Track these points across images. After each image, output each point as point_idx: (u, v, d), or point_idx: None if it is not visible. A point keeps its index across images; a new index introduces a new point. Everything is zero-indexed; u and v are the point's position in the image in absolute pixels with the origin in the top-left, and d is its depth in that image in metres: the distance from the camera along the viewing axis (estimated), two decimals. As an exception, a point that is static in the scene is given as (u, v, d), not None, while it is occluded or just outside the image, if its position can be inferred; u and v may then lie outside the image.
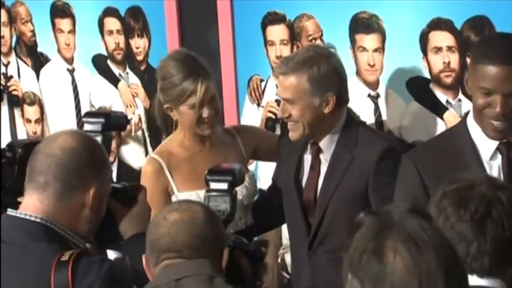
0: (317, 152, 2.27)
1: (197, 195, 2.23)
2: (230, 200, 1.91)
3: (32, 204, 1.81)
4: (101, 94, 3.39)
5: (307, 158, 2.29)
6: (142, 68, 3.17)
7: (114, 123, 2.60)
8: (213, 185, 1.95)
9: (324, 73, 2.24)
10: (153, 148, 3.15)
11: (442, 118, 2.27)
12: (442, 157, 2.02)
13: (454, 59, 2.20)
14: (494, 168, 2.00)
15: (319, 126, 2.22)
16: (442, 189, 1.61)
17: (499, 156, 1.99)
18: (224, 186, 1.93)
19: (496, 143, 1.98)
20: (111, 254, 2.07)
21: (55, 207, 1.80)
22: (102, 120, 2.55)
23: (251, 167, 2.70)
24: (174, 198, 2.35)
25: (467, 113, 2.02)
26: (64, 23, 3.39)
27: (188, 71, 2.33)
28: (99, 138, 2.30)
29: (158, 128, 2.95)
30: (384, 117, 2.47)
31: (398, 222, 1.16)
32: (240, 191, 2.30)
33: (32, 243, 1.79)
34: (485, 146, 1.98)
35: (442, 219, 1.56)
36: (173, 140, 2.46)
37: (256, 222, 2.39)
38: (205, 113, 2.30)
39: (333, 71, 2.24)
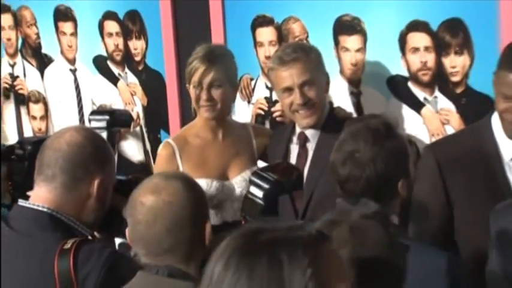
0: (304, 141, 2.28)
1: (203, 182, 2.23)
2: (260, 208, 1.79)
3: (41, 195, 1.85)
4: (101, 93, 3.44)
5: (294, 148, 2.30)
6: (140, 68, 3.23)
7: (118, 120, 2.73)
8: (252, 189, 1.84)
9: (318, 51, 2.29)
10: (151, 143, 3.26)
11: (419, 113, 2.32)
12: (465, 152, 2.00)
13: (430, 59, 2.26)
14: None
15: (324, 109, 2.26)
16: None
17: None
18: (260, 193, 1.81)
19: None
20: (118, 240, 2.12)
21: (62, 197, 1.84)
22: (107, 117, 2.69)
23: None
24: None
25: (492, 112, 1.96)
26: (66, 26, 3.47)
27: (202, 54, 2.37)
28: (104, 134, 2.38)
29: (155, 124, 3.23)
30: (366, 112, 2.46)
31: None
32: (240, 183, 2.32)
33: (39, 232, 1.83)
34: (507, 146, 1.95)
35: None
36: (191, 127, 2.49)
37: None
38: (202, 94, 2.33)
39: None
